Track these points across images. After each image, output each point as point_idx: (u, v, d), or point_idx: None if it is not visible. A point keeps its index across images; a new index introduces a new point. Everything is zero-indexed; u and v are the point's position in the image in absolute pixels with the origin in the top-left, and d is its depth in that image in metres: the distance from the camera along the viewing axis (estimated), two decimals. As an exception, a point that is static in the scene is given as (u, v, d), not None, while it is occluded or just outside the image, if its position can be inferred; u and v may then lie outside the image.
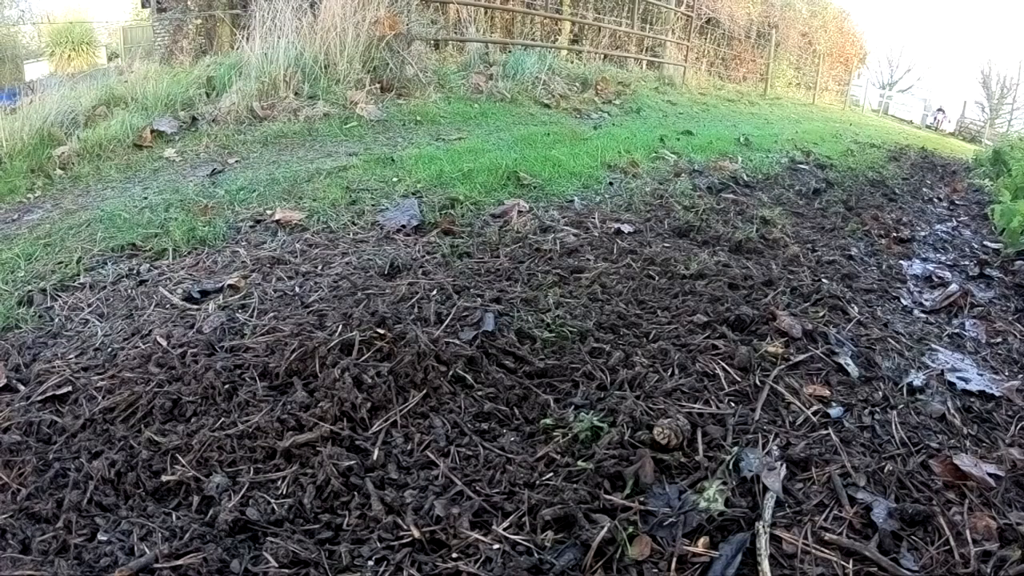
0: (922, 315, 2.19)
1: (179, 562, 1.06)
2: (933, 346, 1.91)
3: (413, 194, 3.17)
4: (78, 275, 2.26)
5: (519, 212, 2.92)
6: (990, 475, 1.28)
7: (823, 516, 1.17)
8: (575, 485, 1.23)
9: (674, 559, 1.07)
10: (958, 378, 1.70)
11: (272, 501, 1.20)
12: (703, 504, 1.16)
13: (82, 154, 4.05)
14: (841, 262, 2.58)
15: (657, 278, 2.21)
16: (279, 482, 1.25)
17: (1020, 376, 1.78)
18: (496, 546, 1.11)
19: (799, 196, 3.93)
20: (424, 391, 1.52)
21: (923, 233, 3.40)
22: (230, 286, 2.11)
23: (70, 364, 1.69)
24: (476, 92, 6.60)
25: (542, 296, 2.01)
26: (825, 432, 1.41)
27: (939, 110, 25.13)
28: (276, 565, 1.07)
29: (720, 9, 13.65)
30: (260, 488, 1.24)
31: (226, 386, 1.52)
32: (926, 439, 1.41)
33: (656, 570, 1.06)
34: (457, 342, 1.67)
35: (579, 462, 1.30)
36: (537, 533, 1.13)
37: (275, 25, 5.57)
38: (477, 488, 1.25)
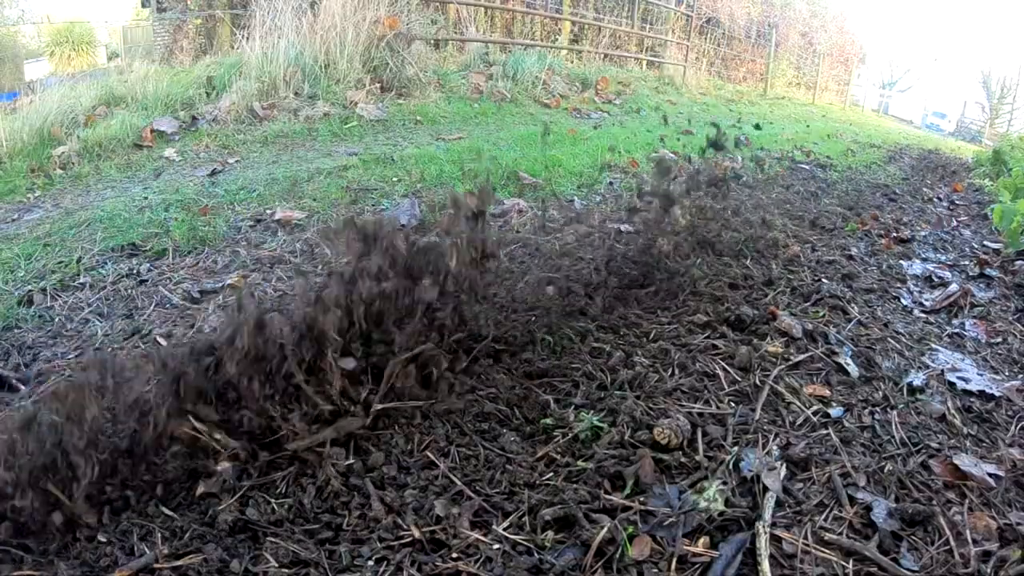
0: (922, 315, 2.19)
1: (179, 562, 1.06)
2: (933, 346, 1.91)
3: (413, 194, 3.17)
4: (78, 275, 2.26)
5: (519, 212, 2.92)
6: (990, 475, 1.27)
7: (823, 516, 1.17)
8: (575, 485, 1.23)
9: (674, 559, 1.07)
10: (958, 378, 1.70)
11: (272, 501, 1.20)
12: (703, 504, 1.16)
13: (82, 154, 4.05)
14: (841, 262, 2.58)
15: (657, 277, 2.20)
16: (279, 482, 1.25)
17: (1020, 376, 1.78)
18: (496, 546, 1.10)
19: (799, 196, 3.93)
20: (424, 390, 1.52)
21: (923, 233, 3.40)
22: (230, 286, 2.11)
23: (70, 364, 1.69)
24: (476, 92, 6.60)
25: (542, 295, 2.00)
26: (825, 432, 1.41)
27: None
28: (276, 565, 1.07)
29: (720, 9, 13.65)
30: (260, 488, 1.24)
31: (226, 386, 1.52)
32: (926, 439, 1.41)
33: (656, 570, 1.06)
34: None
35: (579, 462, 1.30)
36: (537, 533, 1.13)
37: (275, 25, 5.57)
38: (477, 488, 1.25)
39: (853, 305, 2.10)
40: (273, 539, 1.12)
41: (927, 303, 2.30)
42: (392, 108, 5.59)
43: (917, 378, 1.68)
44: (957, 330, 2.08)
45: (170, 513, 1.17)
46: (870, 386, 1.63)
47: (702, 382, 1.58)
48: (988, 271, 2.72)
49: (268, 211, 2.87)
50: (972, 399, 1.62)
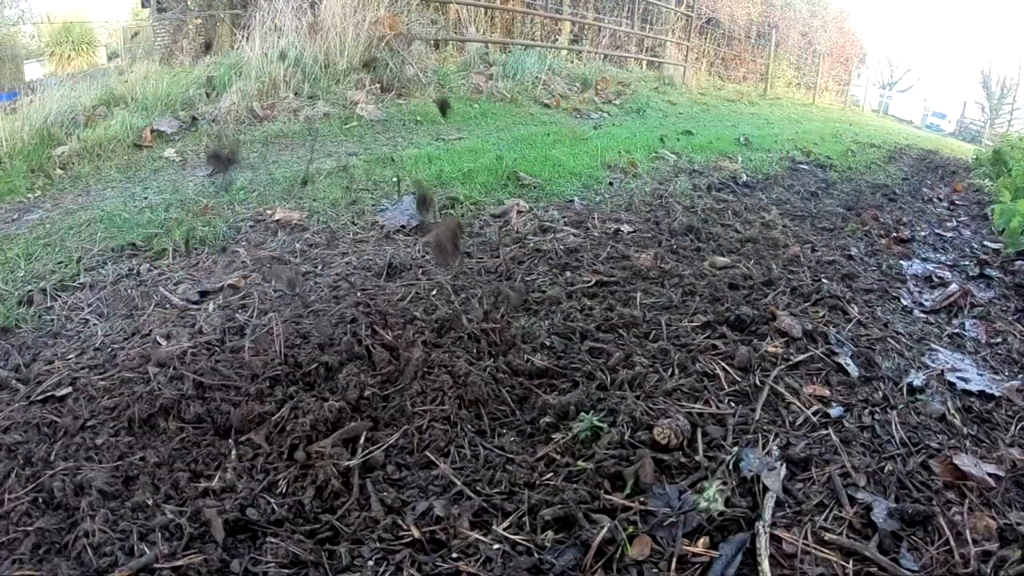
0: (922, 315, 2.19)
1: (179, 562, 1.06)
2: (933, 346, 1.91)
3: (413, 194, 3.17)
4: (78, 275, 2.26)
5: (519, 212, 2.92)
6: (990, 475, 1.27)
7: (823, 516, 1.17)
8: (575, 485, 1.23)
9: (674, 559, 1.07)
10: (958, 378, 1.70)
11: (272, 501, 1.20)
12: (703, 504, 1.15)
13: (82, 154, 4.05)
14: (841, 262, 2.58)
15: (657, 278, 2.20)
16: (279, 482, 1.25)
17: (1020, 376, 1.78)
18: (496, 546, 1.10)
19: (799, 196, 3.93)
20: (424, 390, 1.52)
21: (923, 233, 3.40)
22: (230, 286, 2.11)
23: (70, 364, 1.69)
24: (476, 92, 6.60)
25: (542, 296, 2.00)
26: (825, 432, 1.41)
27: None
28: (276, 565, 1.07)
29: (720, 9, 13.65)
30: (260, 488, 1.24)
31: (226, 386, 1.52)
32: (926, 439, 1.41)
33: (656, 570, 1.06)
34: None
35: (579, 462, 1.30)
36: (537, 533, 1.13)
37: (275, 25, 5.58)
38: (477, 488, 1.25)
39: (853, 305, 2.10)
40: (273, 539, 1.12)
41: (927, 303, 2.30)
42: (392, 108, 5.59)
43: (917, 378, 1.68)
44: (957, 330, 2.08)
45: (170, 513, 1.17)
46: (870, 386, 1.63)
47: (702, 382, 1.58)
48: (988, 271, 2.72)
49: (268, 211, 2.87)
50: (972, 399, 1.62)
